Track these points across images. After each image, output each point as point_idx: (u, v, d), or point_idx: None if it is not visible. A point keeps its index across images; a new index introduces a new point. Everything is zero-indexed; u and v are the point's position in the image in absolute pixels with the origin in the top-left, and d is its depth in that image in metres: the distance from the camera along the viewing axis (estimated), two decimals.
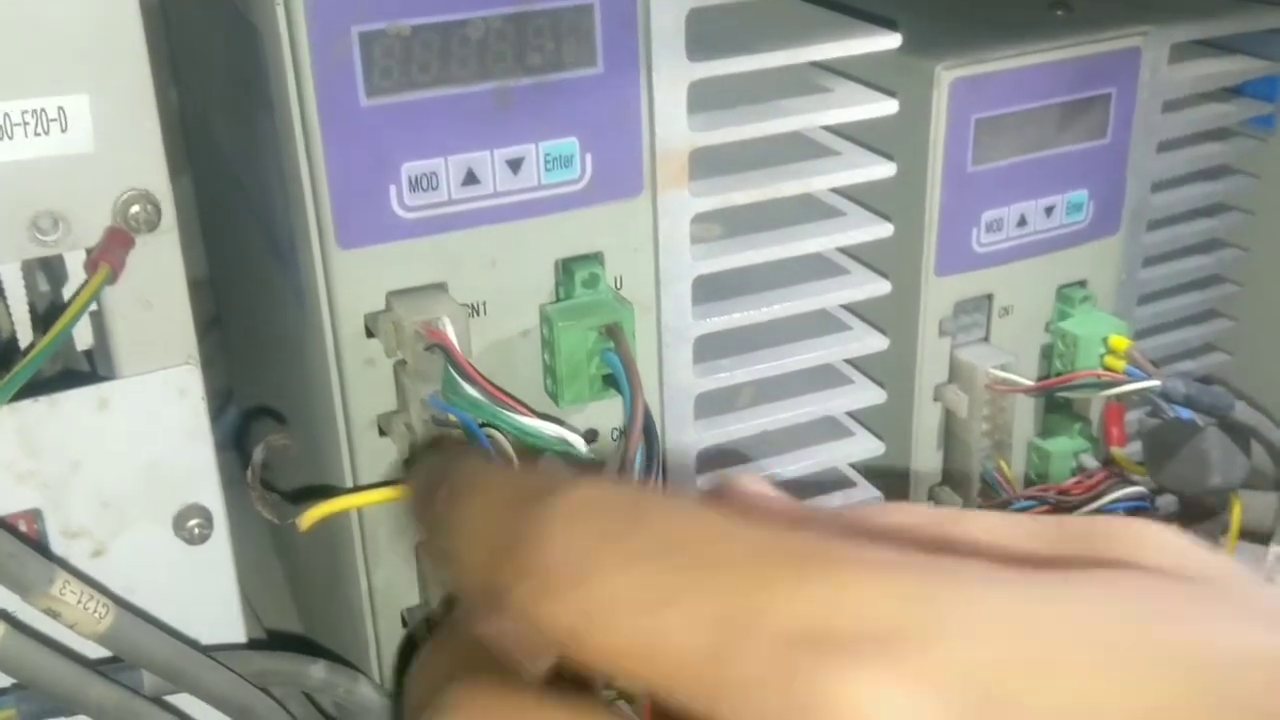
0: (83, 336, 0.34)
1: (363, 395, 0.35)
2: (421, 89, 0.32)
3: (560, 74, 0.33)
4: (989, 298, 0.46)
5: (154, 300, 0.34)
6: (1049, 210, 0.46)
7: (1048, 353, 0.48)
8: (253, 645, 0.37)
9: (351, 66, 0.31)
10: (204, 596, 0.36)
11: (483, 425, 0.33)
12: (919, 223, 0.44)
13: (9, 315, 0.34)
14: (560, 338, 0.34)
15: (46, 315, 0.35)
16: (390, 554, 0.36)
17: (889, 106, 0.39)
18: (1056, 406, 0.48)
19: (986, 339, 0.47)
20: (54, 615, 0.29)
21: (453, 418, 0.33)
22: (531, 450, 0.33)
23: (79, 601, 0.29)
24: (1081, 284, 0.47)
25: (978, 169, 0.44)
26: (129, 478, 0.34)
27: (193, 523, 0.35)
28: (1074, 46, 0.44)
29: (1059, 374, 0.47)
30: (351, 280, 0.33)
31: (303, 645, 0.46)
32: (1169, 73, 0.47)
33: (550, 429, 0.33)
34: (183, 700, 0.34)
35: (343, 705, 0.37)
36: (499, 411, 0.33)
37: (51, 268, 0.35)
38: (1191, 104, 0.50)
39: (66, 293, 0.34)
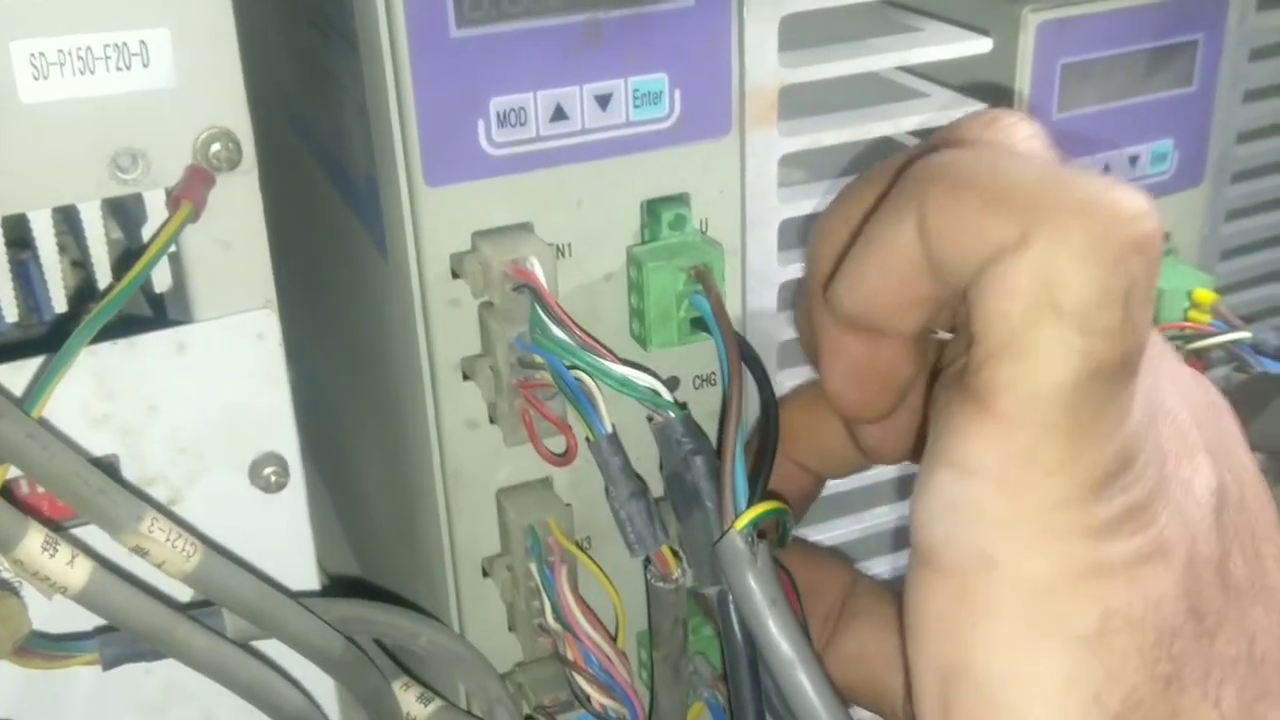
0: (160, 279, 0.34)
1: (447, 338, 0.34)
2: (511, 20, 0.31)
3: (651, 6, 0.32)
4: None
5: (233, 242, 0.33)
6: (1133, 160, 0.45)
7: None
8: (326, 592, 0.36)
9: None
10: (279, 545, 0.35)
11: (571, 368, 0.32)
12: None
13: (88, 255, 0.33)
14: (649, 279, 0.33)
15: (120, 260, 0.34)
16: (472, 504, 0.36)
17: (982, 45, 0.37)
18: None
19: None
20: (142, 553, 0.29)
21: (540, 359, 0.32)
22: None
23: (168, 539, 0.28)
24: (1165, 237, 0.46)
25: (1063, 115, 0.42)
26: (206, 423, 0.33)
27: (269, 470, 0.34)
28: None
29: None
30: (439, 219, 0.33)
31: (366, 591, 0.45)
32: (1256, 20, 0.46)
33: (642, 379, 0.32)
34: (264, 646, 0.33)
35: (415, 654, 0.36)
36: (588, 356, 0.32)
37: (123, 211, 0.35)
38: (1279, 53, 0.48)
39: (145, 233, 0.33)
